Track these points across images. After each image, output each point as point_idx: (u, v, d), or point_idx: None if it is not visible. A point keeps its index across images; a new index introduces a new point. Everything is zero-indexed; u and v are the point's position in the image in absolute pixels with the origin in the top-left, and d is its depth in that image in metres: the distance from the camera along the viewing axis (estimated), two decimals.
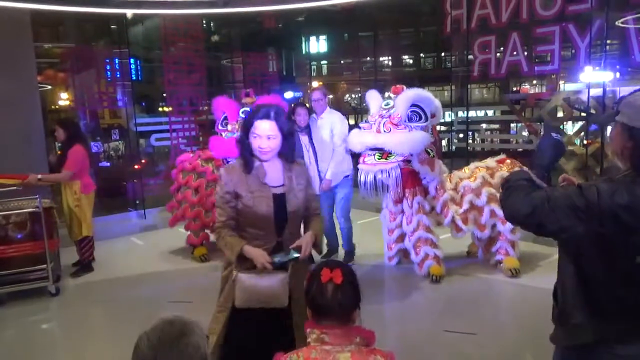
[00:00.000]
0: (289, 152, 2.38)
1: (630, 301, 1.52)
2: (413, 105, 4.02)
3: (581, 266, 1.57)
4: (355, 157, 4.90)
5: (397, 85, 4.24)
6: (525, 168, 1.81)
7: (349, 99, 24.02)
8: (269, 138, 2.28)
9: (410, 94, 4.06)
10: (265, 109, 2.32)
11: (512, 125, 12.80)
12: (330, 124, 4.87)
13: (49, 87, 9.99)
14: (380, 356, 1.47)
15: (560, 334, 1.68)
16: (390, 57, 21.69)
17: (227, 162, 4.90)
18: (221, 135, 4.97)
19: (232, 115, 4.86)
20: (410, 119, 4.03)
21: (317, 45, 23.80)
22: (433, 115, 4.18)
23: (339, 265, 1.55)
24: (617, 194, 1.45)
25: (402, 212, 4.55)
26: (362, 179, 3.97)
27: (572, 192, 1.51)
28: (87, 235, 5.09)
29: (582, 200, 1.47)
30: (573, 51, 5.94)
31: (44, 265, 4.46)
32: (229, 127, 4.85)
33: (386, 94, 4.36)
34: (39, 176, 4.76)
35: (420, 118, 4.05)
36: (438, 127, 4.72)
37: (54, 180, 5.04)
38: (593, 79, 6.21)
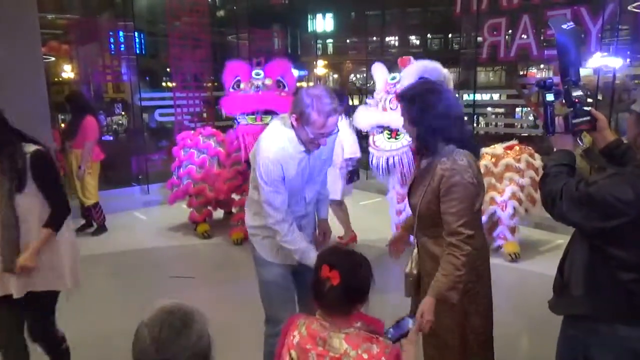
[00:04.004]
0: None
1: None
2: (420, 78, 3.93)
3: (600, 246, 1.56)
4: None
5: (404, 57, 4.10)
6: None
7: (354, 79, 23.82)
8: None
9: (416, 67, 3.98)
10: None
11: (517, 109, 12.70)
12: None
13: (53, 58, 9.90)
14: (377, 345, 1.43)
15: (561, 304, 1.73)
16: (397, 37, 21.42)
17: (238, 122, 4.78)
18: None
19: (245, 76, 4.78)
20: None
21: (324, 23, 23.48)
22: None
23: (340, 264, 1.48)
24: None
25: None
26: (374, 162, 3.88)
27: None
28: (96, 200, 5.51)
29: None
30: (583, 35, 5.85)
31: None
32: (242, 86, 4.78)
33: (391, 75, 4.25)
34: (82, 167, 5.25)
35: None
36: None
37: (87, 158, 5.31)
38: (603, 64, 6.13)
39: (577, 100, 1.66)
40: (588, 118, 1.66)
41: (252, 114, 4.66)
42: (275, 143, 2.19)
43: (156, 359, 1.12)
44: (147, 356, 1.13)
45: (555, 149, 1.72)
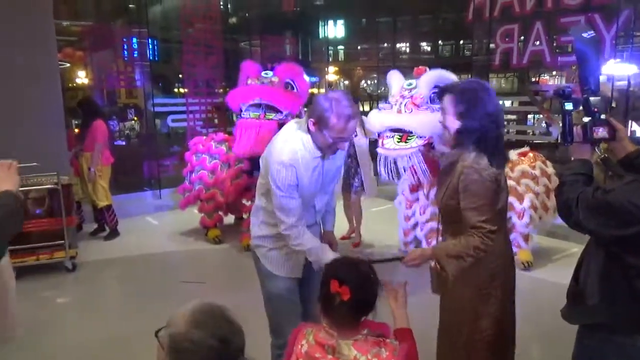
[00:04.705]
0: None
1: None
2: (435, 86, 3.88)
3: (617, 254, 1.54)
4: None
5: (420, 67, 4.13)
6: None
7: (365, 85, 23.85)
8: None
9: (433, 75, 3.98)
10: None
11: (529, 116, 12.63)
12: None
13: (67, 64, 10.03)
14: (386, 349, 1.44)
15: (575, 313, 1.70)
16: (408, 44, 21.41)
17: (240, 115, 4.70)
18: None
19: (254, 73, 4.78)
20: (432, 101, 3.93)
21: (335, 29, 23.55)
22: None
23: (350, 279, 1.47)
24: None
25: (418, 200, 4.51)
26: (383, 163, 3.86)
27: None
28: (109, 203, 5.54)
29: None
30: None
31: (62, 241, 4.54)
32: (249, 82, 4.74)
33: (407, 80, 4.26)
34: (92, 169, 5.33)
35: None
36: None
37: (96, 160, 5.37)
38: (617, 71, 6.07)
39: (596, 109, 1.64)
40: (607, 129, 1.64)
41: (256, 109, 4.52)
42: (289, 146, 2.09)
43: (236, 342, 1.24)
44: (224, 350, 1.21)
45: (572, 158, 1.70)
